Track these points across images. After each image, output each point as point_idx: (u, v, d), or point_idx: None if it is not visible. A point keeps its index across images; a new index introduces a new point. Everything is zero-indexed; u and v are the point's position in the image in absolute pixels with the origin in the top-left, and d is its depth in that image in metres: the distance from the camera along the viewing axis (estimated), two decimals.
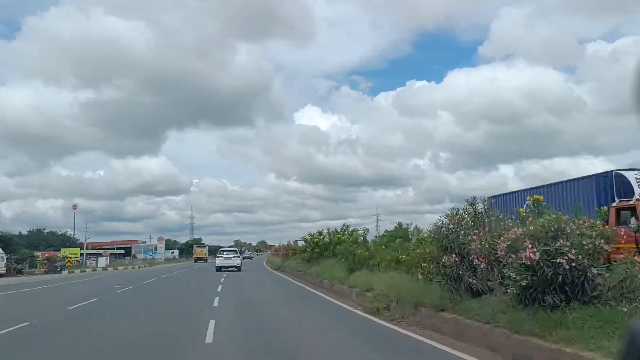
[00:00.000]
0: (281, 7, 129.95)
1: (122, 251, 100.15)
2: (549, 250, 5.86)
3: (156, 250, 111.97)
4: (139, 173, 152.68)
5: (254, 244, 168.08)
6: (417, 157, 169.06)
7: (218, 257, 37.94)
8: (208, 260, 78.48)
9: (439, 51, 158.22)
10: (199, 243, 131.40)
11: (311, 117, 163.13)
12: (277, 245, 72.22)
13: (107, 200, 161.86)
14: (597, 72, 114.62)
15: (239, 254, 39.93)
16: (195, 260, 79.98)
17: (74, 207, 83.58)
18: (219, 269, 34.95)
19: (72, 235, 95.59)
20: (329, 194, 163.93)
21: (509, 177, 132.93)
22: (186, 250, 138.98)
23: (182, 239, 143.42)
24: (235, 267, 36.00)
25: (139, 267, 52.64)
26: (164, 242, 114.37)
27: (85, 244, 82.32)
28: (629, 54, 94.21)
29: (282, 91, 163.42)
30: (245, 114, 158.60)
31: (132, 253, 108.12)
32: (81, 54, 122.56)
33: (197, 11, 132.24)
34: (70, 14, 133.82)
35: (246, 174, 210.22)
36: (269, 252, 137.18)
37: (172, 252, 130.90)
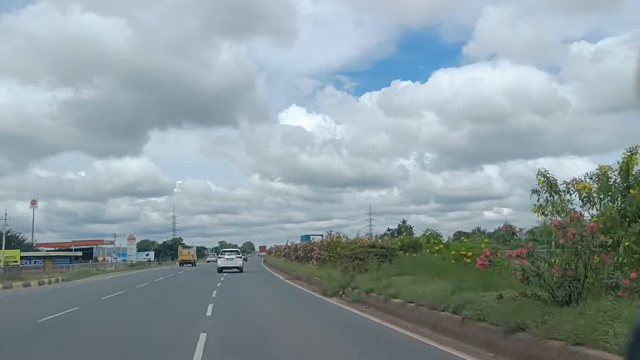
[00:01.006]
0: (264, 3, 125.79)
1: (80, 253, 79.26)
2: None
3: (126, 252, 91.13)
4: (120, 174, 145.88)
5: (239, 245, 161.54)
6: (402, 157, 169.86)
7: (220, 258, 39.10)
8: (197, 264, 67.46)
9: (423, 51, 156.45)
10: (181, 243, 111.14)
11: (295, 117, 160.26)
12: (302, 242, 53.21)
13: (89, 201, 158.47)
14: (580, 72, 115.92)
15: (240, 255, 39.56)
16: (181, 264, 66.18)
17: (33, 202, 70.81)
18: (221, 269, 35.62)
19: (19, 235, 77.33)
20: (314, 195, 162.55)
21: (494, 178, 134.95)
22: (164, 251, 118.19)
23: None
24: (237, 268, 36.23)
25: (47, 284, 28.08)
26: (135, 242, 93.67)
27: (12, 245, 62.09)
28: (612, 54, 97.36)
29: (266, 91, 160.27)
30: (229, 114, 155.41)
31: (100, 255, 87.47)
32: (59, 52, 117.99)
33: (177, 8, 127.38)
34: (47, 12, 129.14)
35: (230, 174, 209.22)
36: (261, 253, 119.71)
37: (147, 254, 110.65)
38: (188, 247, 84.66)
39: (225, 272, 33.52)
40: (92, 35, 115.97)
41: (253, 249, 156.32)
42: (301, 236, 53.06)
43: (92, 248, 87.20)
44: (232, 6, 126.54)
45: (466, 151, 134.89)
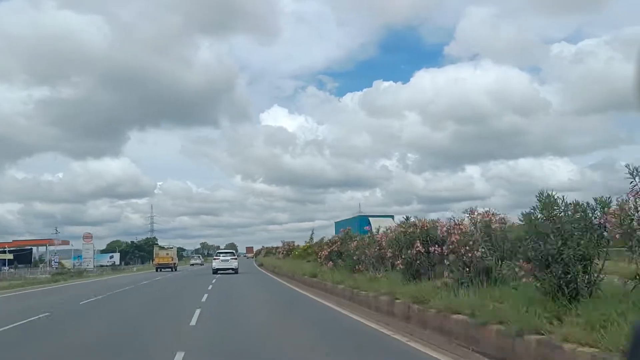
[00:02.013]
0: (245, 0, 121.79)
1: (10, 256, 59.28)
2: None
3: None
4: (100, 175, 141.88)
5: (222, 246, 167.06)
6: (385, 157, 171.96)
7: (215, 259, 38.73)
8: (178, 268, 55.58)
9: (405, 51, 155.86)
10: (155, 243, 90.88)
11: (277, 117, 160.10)
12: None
13: (68, 203, 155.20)
14: (561, 73, 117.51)
15: (236, 257, 39.16)
16: (157, 269, 53.13)
17: None
18: (216, 271, 35.31)
19: None
20: (297, 196, 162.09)
21: (475, 178, 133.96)
22: (131, 253, 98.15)
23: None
24: (232, 269, 35.74)
25: None
26: (91, 242, 73.23)
27: None
28: (593, 55, 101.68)
29: (248, 91, 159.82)
30: (210, 114, 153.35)
31: (50, 258, 68.06)
32: (34, 50, 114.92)
33: (156, 5, 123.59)
34: (21, 8, 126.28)
35: (212, 175, 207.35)
36: (248, 255, 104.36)
37: (111, 257, 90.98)
38: (166, 248, 65.21)
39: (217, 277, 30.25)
40: (68, 32, 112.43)
41: (236, 250, 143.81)
42: (336, 223, 34.24)
43: (31, 249, 67.37)
44: (212, 3, 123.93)
45: (448, 152, 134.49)
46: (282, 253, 34.96)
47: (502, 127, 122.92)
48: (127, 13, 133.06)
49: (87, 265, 66.62)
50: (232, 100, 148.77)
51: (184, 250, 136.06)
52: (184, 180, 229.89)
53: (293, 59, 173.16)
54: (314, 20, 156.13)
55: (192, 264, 72.32)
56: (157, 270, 52.14)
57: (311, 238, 27.62)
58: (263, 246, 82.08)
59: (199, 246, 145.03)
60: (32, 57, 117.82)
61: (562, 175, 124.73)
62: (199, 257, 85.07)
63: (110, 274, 52.09)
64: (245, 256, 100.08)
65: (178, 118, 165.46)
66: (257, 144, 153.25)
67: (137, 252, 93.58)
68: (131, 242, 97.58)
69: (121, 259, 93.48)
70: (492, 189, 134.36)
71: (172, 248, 63.79)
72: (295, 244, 36.71)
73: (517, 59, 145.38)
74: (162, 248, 65.11)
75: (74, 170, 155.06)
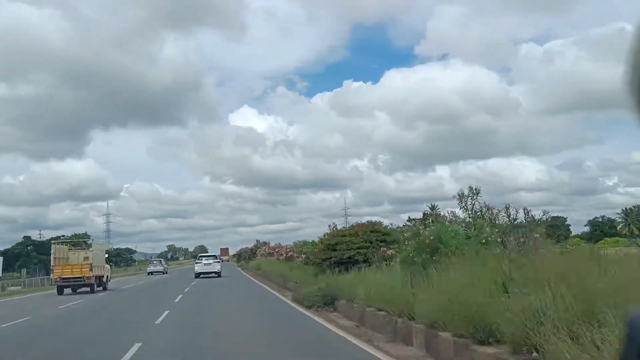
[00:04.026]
0: None
1: None
2: None
3: None
4: (63, 177, 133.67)
5: (190, 249, 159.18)
6: (357, 158, 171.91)
7: (197, 263, 38.54)
8: (109, 283, 31.73)
9: (375, 51, 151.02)
10: (56, 241, 52.37)
11: (247, 117, 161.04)
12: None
13: (29, 206, 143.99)
14: (530, 73, 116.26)
15: (218, 260, 39.85)
16: (62, 289, 27.70)
17: None
18: (198, 275, 35.57)
19: None
20: (267, 197, 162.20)
21: (445, 179, 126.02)
22: (26, 255, 59.96)
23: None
24: (215, 273, 36.33)
25: None
26: None
27: None
28: (561, 55, 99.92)
29: (217, 90, 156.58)
30: (178, 114, 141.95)
31: None
32: None
33: None
34: None
35: (179, 177, 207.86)
36: (224, 257, 75.84)
37: None
38: (79, 247, 32.39)
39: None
40: (24, 27, 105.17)
41: (222, 253, 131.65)
42: None
43: None
44: None
45: (419, 152, 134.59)
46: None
47: (472, 126, 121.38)
48: (86, 6, 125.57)
49: None
50: (201, 99, 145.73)
51: (133, 251, 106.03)
52: (151, 182, 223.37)
53: (262, 59, 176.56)
54: (283, 18, 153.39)
55: (151, 272, 55.27)
56: (60, 293, 27.45)
57: None
58: (259, 240, 53.63)
59: (166, 249, 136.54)
60: None
61: (530, 175, 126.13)
62: (159, 262, 60.90)
63: None
64: (220, 259, 68.16)
65: (145, 118, 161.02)
66: (227, 145, 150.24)
67: (36, 256, 55.67)
68: (24, 237, 58.12)
69: (7, 265, 55.81)
70: (462, 189, 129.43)
71: (91, 248, 30.00)
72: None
73: (487, 58, 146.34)
74: (72, 247, 30.09)
75: (35, 172, 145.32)
